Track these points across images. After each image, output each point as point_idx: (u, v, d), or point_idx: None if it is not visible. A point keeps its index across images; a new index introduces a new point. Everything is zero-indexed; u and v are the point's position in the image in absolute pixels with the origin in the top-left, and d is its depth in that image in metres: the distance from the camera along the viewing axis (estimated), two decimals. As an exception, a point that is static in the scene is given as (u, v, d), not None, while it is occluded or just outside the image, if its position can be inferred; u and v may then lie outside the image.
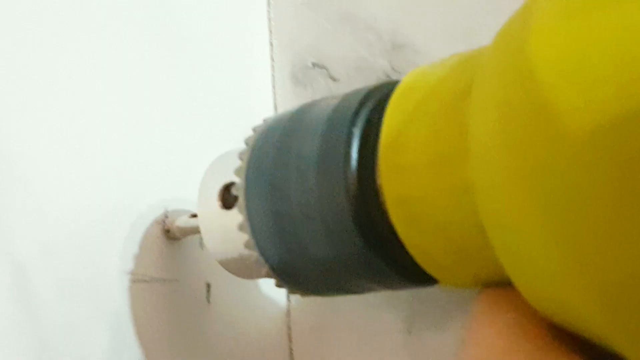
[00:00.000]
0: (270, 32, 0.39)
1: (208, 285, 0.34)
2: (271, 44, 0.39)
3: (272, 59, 0.39)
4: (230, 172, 0.27)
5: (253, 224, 0.26)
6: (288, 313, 0.37)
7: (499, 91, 0.17)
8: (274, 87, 0.39)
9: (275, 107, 0.38)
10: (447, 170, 0.19)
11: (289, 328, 0.37)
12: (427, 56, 0.32)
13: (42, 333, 0.28)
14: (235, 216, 0.26)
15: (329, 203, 0.23)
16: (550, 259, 0.16)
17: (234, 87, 0.37)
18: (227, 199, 0.28)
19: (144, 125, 0.33)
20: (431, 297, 0.31)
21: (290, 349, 0.37)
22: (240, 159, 0.27)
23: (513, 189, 0.16)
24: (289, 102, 0.38)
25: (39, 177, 0.28)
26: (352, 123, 0.23)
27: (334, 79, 0.36)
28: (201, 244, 0.34)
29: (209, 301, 0.34)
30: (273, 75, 0.39)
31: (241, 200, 0.26)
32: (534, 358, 0.18)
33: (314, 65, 0.37)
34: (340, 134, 0.23)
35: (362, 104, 0.23)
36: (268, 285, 0.36)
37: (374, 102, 0.23)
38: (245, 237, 0.26)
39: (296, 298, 0.37)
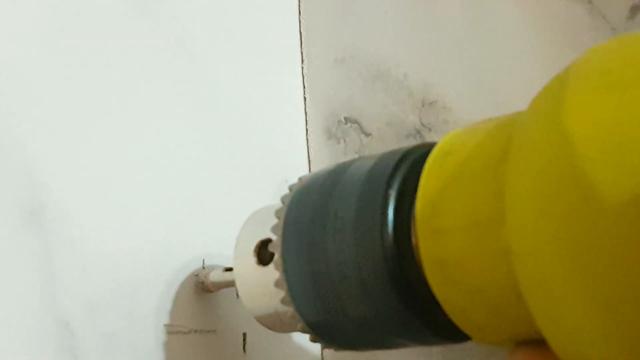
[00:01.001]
0: (304, 87, 0.40)
1: (244, 335, 0.35)
2: (305, 99, 0.40)
3: (306, 114, 0.40)
4: (267, 229, 0.28)
5: (289, 281, 0.26)
6: (322, 361, 0.38)
7: (536, 160, 0.17)
8: (307, 140, 0.40)
9: (309, 160, 0.39)
10: (484, 234, 0.20)
11: (323, 377, 0.38)
12: (456, 113, 0.33)
13: (86, 385, 0.29)
14: (272, 273, 0.27)
15: (366, 263, 0.24)
16: (588, 325, 0.16)
17: (269, 142, 0.38)
18: (264, 255, 0.29)
19: (180, 183, 0.34)
20: (462, 348, 0.32)
21: (325, 398, 0.37)
22: (277, 217, 0.27)
23: (549, 256, 0.17)
24: (322, 156, 0.39)
25: (84, 235, 0.30)
26: (389, 185, 0.24)
27: (366, 134, 0.37)
28: (237, 295, 0.35)
29: (244, 351, 0.35)
30: (307, 129, 0.40)
31: (277, 258, 0.27)
32: None
33: (347, 120, 0.38)
34: (377, 195, 0.24)
35: (397, 166, 0.24)
36: (303, 337, 0.37)
37: (410, 164, 0.24)
38: (281, 293, 0.27)
39: (331, 350, 0.37)
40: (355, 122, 0.37)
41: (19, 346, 0.27)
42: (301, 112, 0.40)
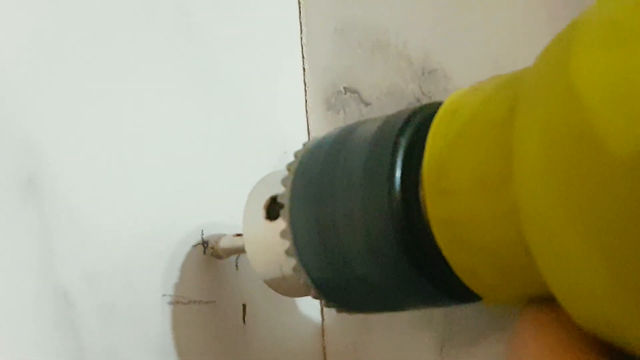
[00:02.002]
0: (303, 58, 0.39)
1: (244, 306, 0.35)
2: (304, 69, 0.40)
3: (305, 84, 0.40)
4: (277, 186, 0.28)
5: (295, 232, 0.26)
6: (323, 333, 0.38)
7: (543, 116, 0.17)
8: (306, 111, 0.40)
9: (309, 132, 0.39)
10: (492, 193, 0.20)
11: (324, 348, 0.37)
12: (457, 81, 0.33)
13: (86, 355, 0.29)
14: (279, 224, 0.27)
15: (373, 223, 0.23)
16: (596, 279, 0.16)
17: (267, 113, 0.38)
18: (273, 210, 0.28)
19: (179, 154, 0.34)
20: (463, 317, 0.32)
21: (325, 369, 0.37)
22: (284, 185, 0.27)
23: (557, 211, 0.17)
24: (322, 126, 0.38)
25: (82, 205, 0.30)
26: (396, 145, 0.24)
27: (366, 104, 0.36)
28: (237, 266, 0.35)
29: (244, 322, 0.35)
30: (306, 100, 0.39)
31: (285, 209, 0.27)
32: None
33: (346, 90, 0.37)
34: (384, 155, 0.24)
35: (404, 126, 0.24)
36: (303, 306, 0.37)
37: (417, 124, 0.24)
38: (286, 243, 0.27)
39: (331, 318, 0.37)
40: (355, 92, 0.37)
41: (17, 317, 0.27)
42: (300, 83, 0.40)
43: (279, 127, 0.39)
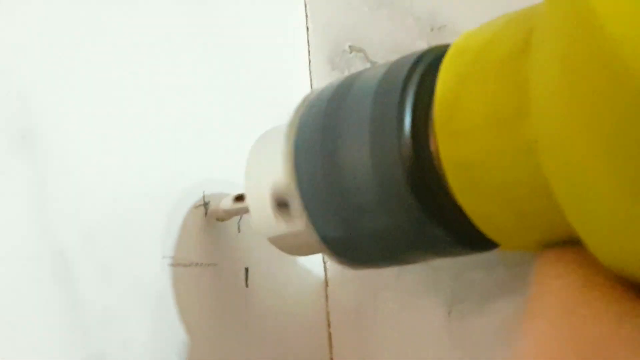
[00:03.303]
0: (307, 16, 0.38)
1: (246, 270, 0.34)
2: (307, 28, 0.39)
3: (309, 43, 0.39)
4: (280, 138, 0.27)
5: (302, 189, 0.25)
6: (327, 297, 0.37)
7: (562, 44, 0.16)
8: (310, 71, 0.39)
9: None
10: (507, 130, 0.19)
11: (328, 312, 0.37)
12: (466, 37, 0.32)
13: (83, 317, 0.28)
14: (283, 178, 0.26)
15: (383, 171, 0.22)
16: (623, 210, 0.16)
17: (271, 72, 0.37)
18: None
19: (181, 111, 0.33)
20: (472, 280, 0.31)
21: (329, 332, 0.37)
22: (290, 123, 0.26)
23: (581, 142, 0.16)
24: (326, 87, 0.37)
25: (79, 162, 0.29)
26: (404, 88, 0.23)
27: (372, 63, 0.35)
28: (239, 229, 0.34)
29: (247, 285, 0.34)
30: (309, 60, 0.39)
31: (289, 165, 0.26)
32: (611, 309, 0.17)
33: (351, 48, 0.36)
34: (392, 99, 0.23)
35: (412, 69, 0.23)
36: (306, 270, 0.36)
37: (425, 66, 0.23)
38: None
39: (335, 282, 0.37)
40: (360, 50, 0.36)
41: (12, 276, 0.26)
42: (304, 43, 0.39)
43: (281, 88, 0.38)
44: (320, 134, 0.25)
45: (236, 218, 0.34)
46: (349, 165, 0.23)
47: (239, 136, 0.35)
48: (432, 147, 0.22)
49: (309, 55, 0.39)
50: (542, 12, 0.18)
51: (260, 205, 0.28)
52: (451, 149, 0.21)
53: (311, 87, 0.38)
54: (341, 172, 0.24)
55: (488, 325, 0.30)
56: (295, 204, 0.26)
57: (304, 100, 0.27)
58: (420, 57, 0.23)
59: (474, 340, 0.31)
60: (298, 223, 0.26)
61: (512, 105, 0.19)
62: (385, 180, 0.23)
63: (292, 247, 0.28)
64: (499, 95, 0.19)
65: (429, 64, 0.23)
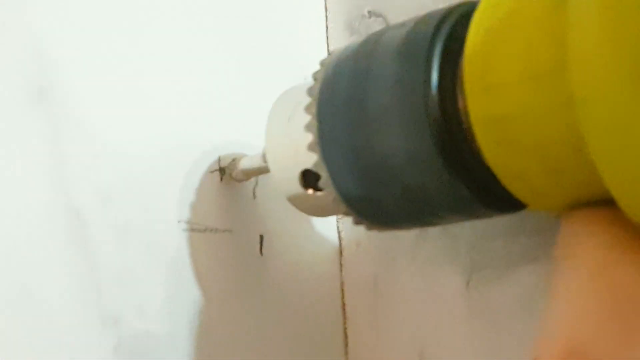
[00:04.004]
0: (325, -20, 0.38)
1: (261, 237, 0.34)
2: (325, -7, 0.38)
3: (326, 9, 0.38)
4: (303, 95, 0.26)
5: (324, 144, 0.25)
6: (341, 266, 0.36)
7: None
8: (327, 37, 0.38)
9: (329, 58, 0.38)
10: (543, 84, 0.19)
11: (342, 281, 0.36)
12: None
13: (98, 277, 0.28)
14: (306, 137, 0.25)
15: (409, 129, 0.22)
16: None
17: (288, 38, 0.37)
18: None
19: (198, 76, 0.32)
20: (490, 249, 0.31)
21: (343, 302, 0.36)
22: (310, 95, 0.26)
23: (625, 95, 0.15)
24: (344, 52, 0.37)
25: (96, 124, 0.28)
26: (432, 43, 0.22)
27: (391, 28, 0.35)
28: (255, 195, 0.34)
29: (262, 253, 0.34)
30: (327, 25, 0.38)
31: (312, 119, 0.25)
32: None
33: (371, 13, 0.36)
34: (419, 55, 0.22)
35: (440, 23, 0.22)
36: (321, 238, 0.36)
37: (454, 20, 0.22)
38: (314, 157, 0.25)
39: (350, 251, 0.36)
40: (380, 15, 0.35)
41: (27, 235, 0.26)
42: (321, 7, 0.38)
43: (299, 53, 0.37)
44: (345, 93, 0.24)
45: (252, 183, 0.33)
46: (375, 125, 0.23)
47: (256, 101, 0.34)
48: (461, 105, 0.21)
49: (327, 20, 0.38)
50: None
51: (282, 167, 0.27)
52: (482, 105, 0.20)
53: (328, 52, 0.38)
54: (368, 131, 0.23)
55: (508, 294, 0.30)
56: (321, 170, 0.25)
57: (326, 59, 0.26)
58: (447, 13, 0.23)
59: (493, 309, 0.30)
60: (322, 187, 0.25)
61: (549, 59, 0.18)
62: (411, 140, 0.22)
63: (313, 207, 0.28)
64: (535, 49, 0.19)
65: (456, 20, 0.23)
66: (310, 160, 0.25)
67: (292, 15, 0.37)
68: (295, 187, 0.27)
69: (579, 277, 0.18)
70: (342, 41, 0.37)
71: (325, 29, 0.38)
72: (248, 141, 0.33)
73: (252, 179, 0.33)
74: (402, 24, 0.24)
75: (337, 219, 0.36)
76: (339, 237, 0.36)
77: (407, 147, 0.22)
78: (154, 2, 0.31)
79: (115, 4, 0.29)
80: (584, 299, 0.18)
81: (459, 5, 0.23)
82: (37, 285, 0.26)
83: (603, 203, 0.19)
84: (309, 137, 0.25)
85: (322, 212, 0.28)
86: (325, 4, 0.38)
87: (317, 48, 0.38)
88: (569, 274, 0.19)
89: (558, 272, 0.19)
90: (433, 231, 0.32)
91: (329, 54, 0.27)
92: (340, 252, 0.36)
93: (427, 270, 0.33)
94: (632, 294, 0.17)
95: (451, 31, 0.22)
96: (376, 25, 0.35)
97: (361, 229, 0.27)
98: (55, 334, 0.27)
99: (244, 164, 0.32)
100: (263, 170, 0.30)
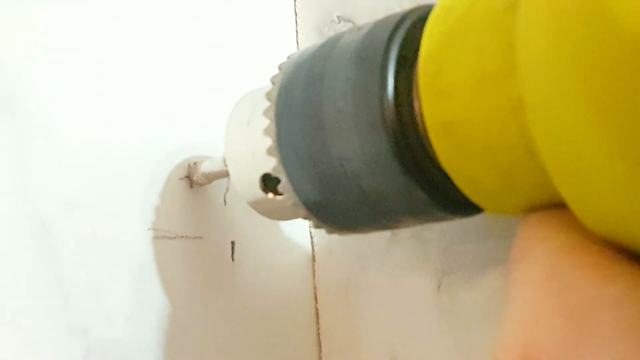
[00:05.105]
0: (294, -15, 0.38)
1: (232, 243, 0.34)
2: (295, -2, 0.38)
3: (296, 14, 0.38)
4: (261, 98, 0.26)
5: (282, 148, 0.25)
6: (314, 272, 0.36)
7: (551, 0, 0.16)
8: (297, 42, 0.38)
9: (300, 63, 0.38)
10: (494, 89, 0.19)
11: (315, 287, 0.36)
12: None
13: (65, 287, 0.27)
14: (265, 141, 0.25)
15: (366, 134, 0.22)
16: (612, 171, 0.15)
17: (256, 43, 0.36)
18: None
19: (167, 83, 0.32)
20: (460, 253, 0.31)
21: (316, 308, 0.36)
22: (268, 99, 0.26)
23: (569, 100, 0.15)
24: (314, 57, 0.37)
25: (60, 133, 0.28)
26: (387, 48, 0.22)
27: (360, 32, 0.35)
28: (225, 201, 0.33)
29: (233, 259, 0.33)
30: (297, 30, 0.38)
31: (270, 124, 0.25)
32: (595, 272, 0.17)
33: (340, 19, 0.36)
34: (375, 59, 0.22)
35: (396, 28, 0.22)
36: (293, 244, 0.36)
37: (409, 26, 0.22)
38: (273, 161, 0.25)
39: (323, 257, 0.36)
40: (349, 20, 0.35)
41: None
42: (291, 12, 0.38)
43: (269, 58, 0.37)
44: (302, 97, 0.24)
45: (222, 189, 0.33)
46: (331, 129, 0.23)
47: (225, 106, 0.34)
48: (416, 109, 0.21)
49: (297, 25, 0.38)
50: None
51: (242, 171, 0.27)
52: (436, 109, 0.20)
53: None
54: (324, 136, 0.23)
55: (478, 298, 0.30)
56: (280, 174, 0.25)
57: (284, 63, 0.26)
58: (403, 17, 0.23)
59: (464, 313, 0.30)
60: (282, 191, 0.25)
61: (498, 62, 0.18)
62: (368, 144, 0.22)
63: (274, 211, 0.28)
64: (486, 53, 0.19)
65: (412, 24, 0.23)
66: (269, 164, 0.25)
67: (262, 20, 0.37)
68: (256, 191, 0.27)
69: (533, 282, 0.18)
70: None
71: (295, 33, 0.38)
72: (217, 145, 0.32)
73: (223, 186, 0.33)
74: (359, 28, 0.24)
75: (309, 225, 0.36)
76: (312, 242, 0.36)
77: (364, 151, 0.22)
78: (117, 8, 0.30)
79: (77, 10, 0.29)
80: (537, 303, 0.18)
81: (414, 9, 0.23)
82: (2, 295, 0.26)
83: (557, 207, 0.19)
84: (268, 141, 0.25)
85: (283, 216, 0.28)
86: (295, 9, 0.38)
87: (287, 53, 0.37)
88: (523, 279, 0.19)
89: (513, 277, 0.19)
90: (404, 236, 0.32)
91: (288, 57, 0.26)
92: (313, 258, 0.36)
93: (398, 274, 0.33)
94: (585, 297, 0.17)
95: (407, 35, 0.22)
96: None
97: (333, 235, 0.27)
98: (23, 344, 0.27)
99: (205, 168, 0.32)
100: (224, 174, 0.30)
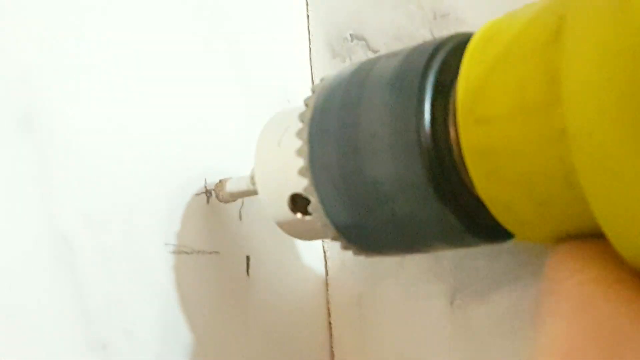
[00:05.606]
0: (307, 4, 0.38)
1: (248, 258, 0.34)
2: (308, 17, 0.38)
3: (309, 32, 0.38)
4: (294, 119, 0.26)
5: (314, 170, 0.25)
6: (327, 286, 0.37)
7: (598, 32, 0.16)
8: (310, 60, 0.38)
9: (312, 81, 0.38)
10: (536, 118, 0.19)
11: (328, 301, 0.37)
12: (470, 24, 0.31)
13: (86, 302, 0.28)
14: (297, 162, 0.26)
15: (401, 159, 0.22)
16: None
17: (270, 61, 0.37)
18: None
19: (183, 100, 0.32)
20: (475, 268, 0.31)
21: (329, 322, 0.37)
22: (301, 120, 0.26)
23: (615, 133, 0.16)
24: (327, 75, 0.37)
25: (82, 148, 0.28)
26: (424, 75, 0.22)
27: (373, 51, 0.35)
28: (241, 217, 0.34)
29: (248, 274, 0.34)
30: (310, 48, 0.38)
31: (303, 144, 0.25)
32: (631, 305, 0.17)
33: (352, 37, 0.36)
34: (412, 86, 0.22)
35: (433, 55, 0.23)
36: (307, 259, 0.36)
37: (446, 53, 0.23)
38: (304, 182, 0.25)
39: (336, 271, 0.36)
40: (362, 38, 0.36)
41: (14, 262, 0.26)
42: (304, 30, 0.38)
43: (282, 76, 0.37)
44: (337, 120, 0.24)
45: (238, 205, 0.34)
46: (366, 152, 0.23)
47: (239, 123, 0.35)
48: (452, 136, 0.22)
49: (310, 43, 0.38)
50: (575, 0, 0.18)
51: (271, 190, 0.27)
52: (475, 136, 0.21)
53: (312, 75, 0.38)
54: (359, 159, 0.23)
55: (491, 313, 0.30)
56: (311, 195, 0.25)
57: (318, 86, 0.27)
58: (440, 45, 0.23)
59: (477, 328, 0.31)
60: (312, 211, 0.26)
61: (542, 93, 0.19)
62: (402, 168, 0.22)
63: (301, 231, 0.28)
64: (529, 83, 0.19)
65: (449, 52, 0.23)
66: (300, 184, 0.26)
67: (275, 39, 0.37)
68: (284, 211, 0.27)
69: (566, 314, 0.18)
70: (325, 64, 0.37)
71: (308, 51, 0.38)
72: (232, 164, 0.33)
73: (239, 201, 0.34)
74: (395, 54, 0.24)
75: (322, 240, 0.37)
76: (325, 257, 0.37)
77: (398, 175, 0.23)
78: (139, 29, 0.31)
79: (100, 29, 0.29)
80: (570, 336, 0.18)
81: (451, 37, 0.24)
82: (24, 311, 0.26)
83: (590, 237, 0.19)
84: (300, 162, 0.25)
85: (311, 236, 0.28)
86: (308, 28, 0.38)
87: (300, 71, 0.38)
88: (555, 310, 0.19)
89: (544, 308, 0.19)
90: (417, 251, 0.33)
91: (321, 80, 0.27)
92: (326, 272, 0.37)
93: (411, 289, 0.33)
94: (619, 331, 0.17)
95: (444, 62, 0.23)
96: (358, 49, 0.36)
97: (360, 256, 0.27)
98: (43, 359, 0.27)
99: (231, 186, 0.32)
100: (250, 193, 0.31)
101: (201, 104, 0.33)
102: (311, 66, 0.38)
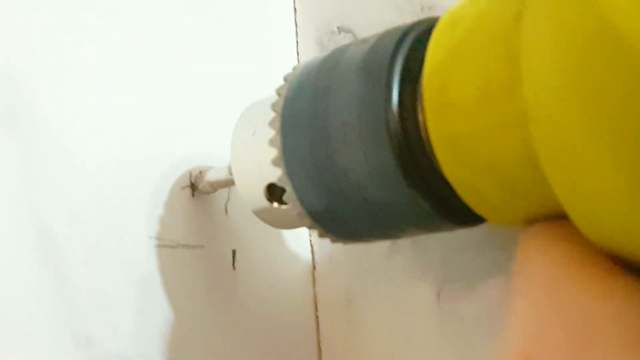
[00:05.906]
0: (294, -4, 0.38)
1: (234, 252, 0.34)
2: (295, 9, 0.38)
3: (297, 25, 0.38)
4: (267, 109, 0.26)
5: (288, 159, 0.25)
6: (314, 280, 0.37)
7: (557, 15, 0.16)
8: (297, 53, 0.38)
9: (300, 73, 0.38)
10: (498, 103, 0.19)
11: (315, 295, 0.37)
12: (457, 18, 0.31)
13: (70, 297, 0.28)
14: (271, 152, 0.26)
15: (370, 144, 0.22)
16: (615, 186, 0.15)
17: (257, 54, 0.37)
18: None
19: (168, 93, 0.32)
20: (461, 262, 0.31)
21: (317, 317, 0.36)
22: (274, 110, 0.26)
23: (573, 115, 0.15)
24: (314, 68, 0.37)
25: (67, 143, 0.28)
26: (392, 60, 0.22)
27: (360, 43, 0.35)
28: (227, 210, 0.34)
29: (234, 268, 0.34)
30: (297, 41, 0.38)
31: (275, 134, 0.25)
32: (596, 285, 0.17)
33: (340, 30, 0.36)
34: (380, 71, 0.22)
35: (400, 40, 0.23)
36: (294, 253, 0.36)
37: (413, 38, 0.23)
38: (278, 171, 0.25)
39: (323, 266, 0.36)
40: (349, 31, 0.36)
41: (-2, 256, 0.26)
42: (291, 23, 0.38)
43: (269, 69, 0.37)
44: (307, 108, 0.24)
45: (224, 199, 0.33)
46: (336, 141, 0.23)
47: (225, 117, 0.34)
48: (420, 121, 0.21)
49: (297, 36, 0.38)
50: None
51: (247, 180, 0.27)
52: (441, 122, 0.21)
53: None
54: (329, 147, 0.23)
55: (478, 307, 0.30)
56: (286, 184, 0.25)
57: (290, 75, 0.27)
58: (407, 31, 0.23)
59: (464, 322, 0.31)
60: (287, 201, 0.26)
61: (503, 77, 0.19)
62: (372, 156, 0.22)
63: (278, 220, 0.28)
64: (491, 67, 0.19)
65: (416, 37, 0.23)
66: (275, 174, 0.26)
67: (262, 31, 0.37)
68: (261, 200, 0.27)
69: (534, 294, 0.18)
70: (312, 57, 0.37)
71: (295, 44, 0.38)
72: (219, 155, 0.33)
73: (224, 195, 0.33)
74: (364, 41, 0.24)
75: (309, 234, 0.37)
76: (312, 251, 0.37)
77: (368, 162, 0.22)
78: (121, 21, 0.31)
79: (80, 22, 0.29)
80: (538, 315, 0.18)
81: (419, 22, 0.23)
82: (8, 306, 0.26)
83: (558, 218, 0.19)
84: (274, 152, 0.25)
85: (288, 225, 0.28)
86: (295, 20, 0.38)
87: (287, 64, 0.38)
88: (523, 290, 0.19)
89: (514, 288, 0.19)
90: (404, 245, 0.33)
91: (293, 68, 0.27)
92: (314, 267, 0.37)
93: (398, 283, 0.33)
94: (586, 310, 0.17)
95: (411, 48, 0.23)
96: (345, 41, 0.35)
97: (337, 244, 0.27)
98: (28, 354, 0.27)
99: (211, 177, 0.32)
100: (229, 183, 0.31)
101: (187, 97, 0.33)
102: (298, 59, 0.38)
